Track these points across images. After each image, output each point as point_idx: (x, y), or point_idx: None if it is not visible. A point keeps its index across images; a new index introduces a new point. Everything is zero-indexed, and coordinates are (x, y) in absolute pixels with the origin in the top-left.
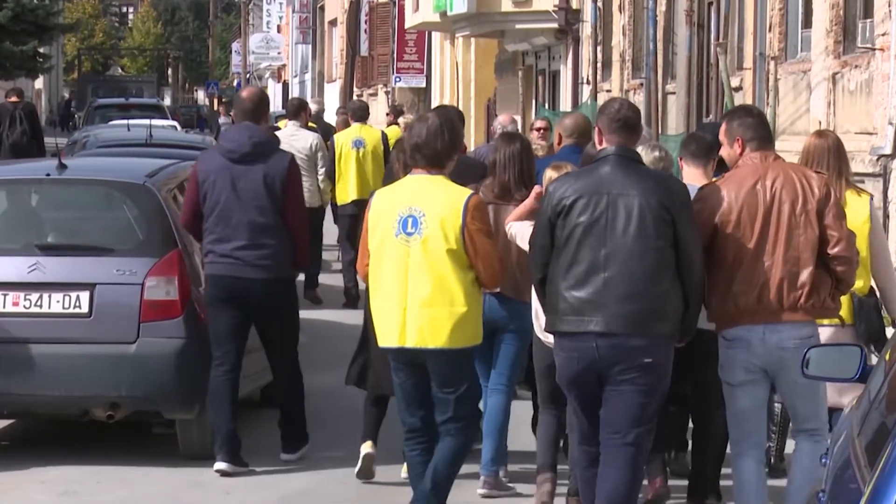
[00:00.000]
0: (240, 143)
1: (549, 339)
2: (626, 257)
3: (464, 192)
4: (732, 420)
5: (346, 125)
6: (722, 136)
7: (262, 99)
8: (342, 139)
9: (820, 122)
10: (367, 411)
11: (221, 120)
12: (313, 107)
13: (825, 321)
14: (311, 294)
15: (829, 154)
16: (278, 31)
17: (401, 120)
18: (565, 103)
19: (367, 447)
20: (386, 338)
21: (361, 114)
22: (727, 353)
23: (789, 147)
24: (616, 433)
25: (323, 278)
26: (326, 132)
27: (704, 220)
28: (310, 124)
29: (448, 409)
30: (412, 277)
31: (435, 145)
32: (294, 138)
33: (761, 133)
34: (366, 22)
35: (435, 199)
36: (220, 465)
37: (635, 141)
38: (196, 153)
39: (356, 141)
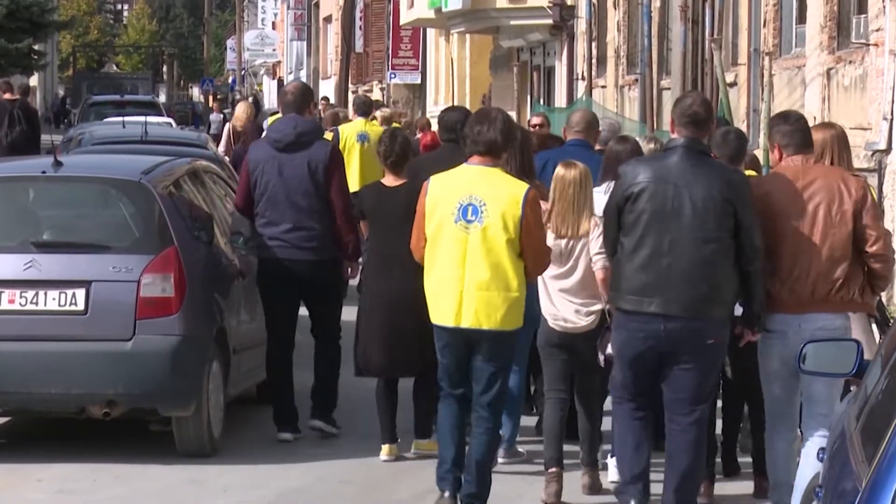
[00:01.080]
0: (285, 133)
1: (556, 321)
2: (687, 244)
3: (523, 185)
4: (768, 404)
5: (335, 120)
6: (768, 142)
7: (304, 91)
8: (347, 132)
9: (815, 118)
10: (380, 405)
11: (213, 116)
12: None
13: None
14: None
15: (835, 146)
16: (273, 27)
17: (378, 113)
18: (560, 99)
19: (385, 453)
20: (442, 317)
21: (365, 108)
22: (766, 343)
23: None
24: (681, 413)
25: None
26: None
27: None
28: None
29: (487, 382)
30: (470, 262)
31: (495, 137)
32: None
33: (796, 139)
34: (361, 18)
35: (496, 190)
36: (284, 434)
37: (704, 135)
38: (191, 150)
39: (361, 135)
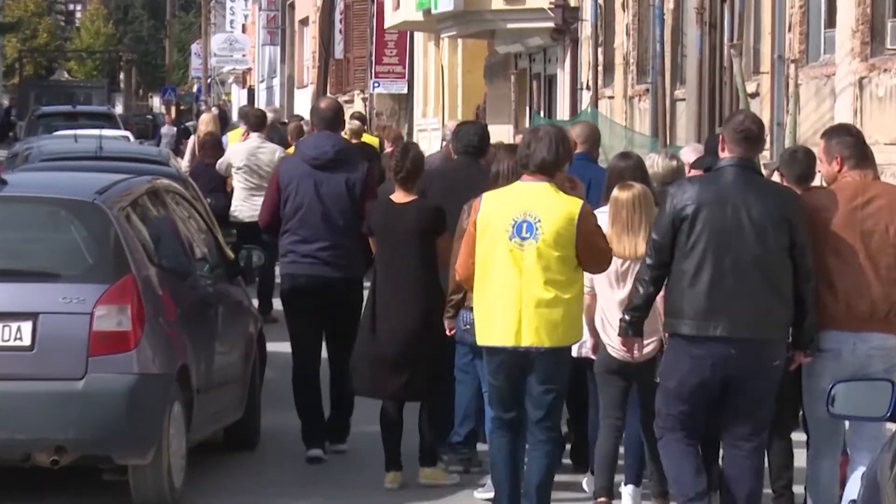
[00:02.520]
0: (324, 151)
1: (614, 346)
2: (749, 265)
3: (577, 202)
4: (814, 425)
5: (300, 133)
6: (820, 154)
7: (339, 109)
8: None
9: None
10: (386, 431)
11: (164, 129)
12: (270, 115)
13: None
14: (268, 317)
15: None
16: (243, 31)
17: (347, 126)
18: (563, 111)
19: (390, 480)
20: (498, 338)
21: (258, 122)
22: (818, 362)
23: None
24: (743, 439)
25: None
26: (282, 141)
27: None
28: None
29: (546, 403)
30: (526, 280)
31: (550, 155)
32: (261, 151)
33: (859, 152)
34: (341, 21)
35: (551, 207)
36: (315, 452)
37: (756, 153)
38: (152, 167)
39: None
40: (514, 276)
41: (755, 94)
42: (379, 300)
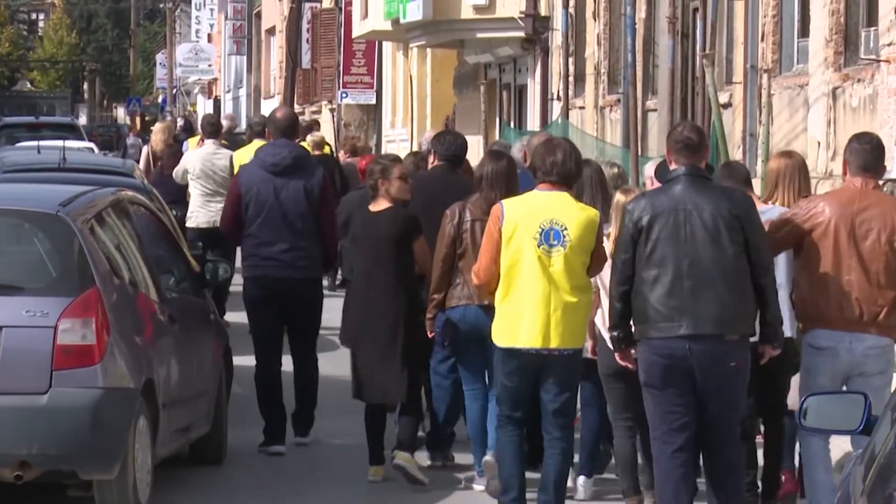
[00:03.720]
0: (282, 158)
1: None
2: (706, 264)
3: (593, 211)
4: None
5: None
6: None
7: (295, 118)
8: (240, 157)
9: (819, 143)
10: (370, 428)
11: (130, 140)
12: (225, 123)
13: None
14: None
15: (798, 174)
16: (209, 40)
17: (309, 137)
18: (533, 121)
19: (373, 473)
20: (524, 340)
21: (260, 129)
22: (815, 360)
23: None
24: (718, 430)
25: None
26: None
27: (799, 221)
28: (223, 141)
29: (562, 402)
30: (554, 285)
31: (570, 166)
32: (216, 157)
33: (864, 160)
34: (308, 31)
35: (574, 215)
36: (277, 447)
37: (700, 159)
38: (116, 179)
39: None
40: (542, 282)
41: (728, 105)
42: (359, 306)
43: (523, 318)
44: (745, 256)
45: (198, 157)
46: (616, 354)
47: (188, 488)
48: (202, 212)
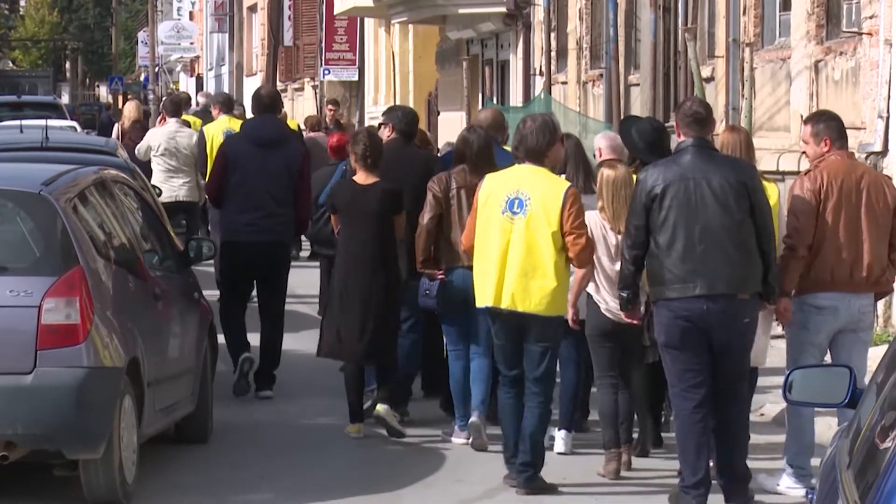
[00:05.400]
0: (267, 132)
1: (609, 307)
2: (717, 229)
3: (564, 183)
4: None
5: (242, 118)
6: (807, 137)
7: (277, 95)
8: (212, 131)
9: (802, 117)
10: (350, 388)
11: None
12: (201, 100)
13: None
14: None
15: (743, 147)
16: (191, 18)
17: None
18: (516, 97)
19: (355, 431)
20: (485, 299)
21: (229, 105)
22: (816, 319)
23: (768, 145)
24: (728, 387)
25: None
26: None
27: (813, 199)
28: (195, 119)
29: (536, 362)
30: (512, 250)
31: (534, 142)
32: (179, 134)
33: (843, 135)
34: (290, 7)
35: (540, 186)
36: (266, 392)
37: (708, 132)
38: (99, 157)
39: (227, 132)
40: (503, 246)
41: (710, 79)
42: (344, 274)
43: (490, 280)
44: (752, 221)
45: (161, 134)
46: (623, 314)
47: (174, 467)
48: (164, 187)
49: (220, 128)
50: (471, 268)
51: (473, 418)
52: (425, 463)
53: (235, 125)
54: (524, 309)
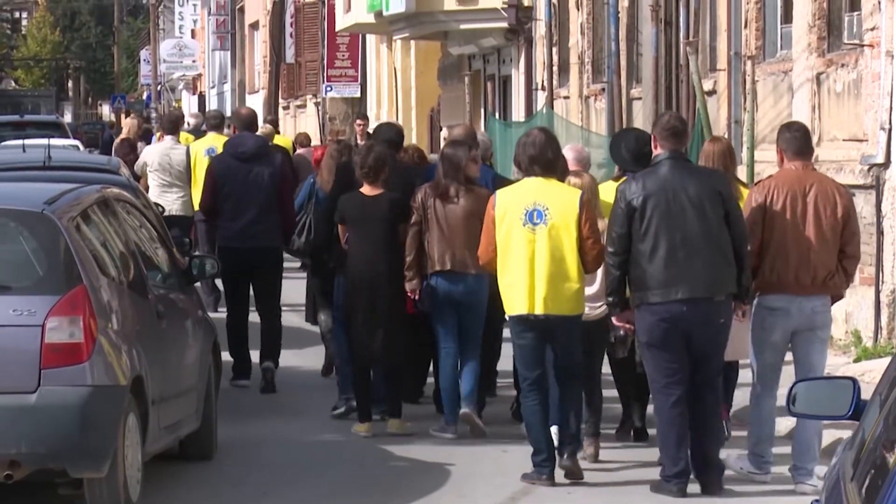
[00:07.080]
0: (248, 147)
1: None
2: (695, 237)
3: (576, 192)
4: (760, 370)
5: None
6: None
7: (254, 115)
8: (196, 148)
9: None
10: (358, 388)
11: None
12: (192, 121)
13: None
14: None
15: (722, 157)
16: (192, 36)
17: (262, 129)
18: (518, 112)
19: (364, 430)
20: (518, 308)
21: (216, 122)
22: (770, 319)
23: (770, 157)
24: (704, 383)
25: None
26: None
27: (761, 204)
28: (187, 136)
29: (565, 358)
30: (538, 259)
31: (547, 156)
32: (173, 151)
33: (798, 146)
34: (291, 25)
35: (555, 196)
36: (243, 381)
37: (682, 144)
38: (102, 176)
39: (209, 149)
40: (528, 256)
41: (712, 92)
42: (355, 281)
43: (516, 289)
44: (726, 227)
45: (156, 151)
46: (613, 318)
47: (178, 485)
48: (159, 201)
49: (204, 145)
50: (443, 272)
51: (464, 409)
52: (429, 479)
53: (219, 143)
54: (557, 312)
